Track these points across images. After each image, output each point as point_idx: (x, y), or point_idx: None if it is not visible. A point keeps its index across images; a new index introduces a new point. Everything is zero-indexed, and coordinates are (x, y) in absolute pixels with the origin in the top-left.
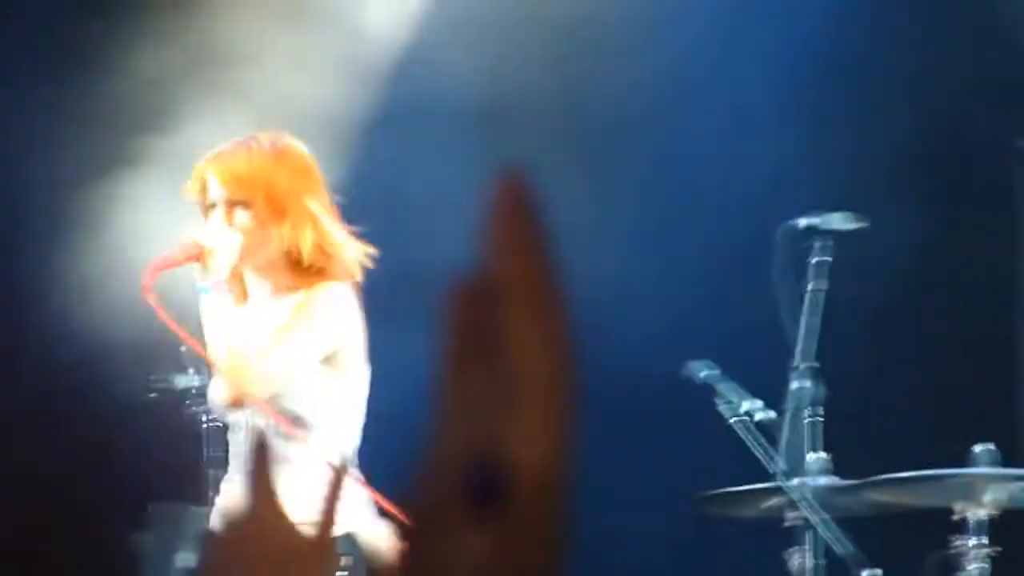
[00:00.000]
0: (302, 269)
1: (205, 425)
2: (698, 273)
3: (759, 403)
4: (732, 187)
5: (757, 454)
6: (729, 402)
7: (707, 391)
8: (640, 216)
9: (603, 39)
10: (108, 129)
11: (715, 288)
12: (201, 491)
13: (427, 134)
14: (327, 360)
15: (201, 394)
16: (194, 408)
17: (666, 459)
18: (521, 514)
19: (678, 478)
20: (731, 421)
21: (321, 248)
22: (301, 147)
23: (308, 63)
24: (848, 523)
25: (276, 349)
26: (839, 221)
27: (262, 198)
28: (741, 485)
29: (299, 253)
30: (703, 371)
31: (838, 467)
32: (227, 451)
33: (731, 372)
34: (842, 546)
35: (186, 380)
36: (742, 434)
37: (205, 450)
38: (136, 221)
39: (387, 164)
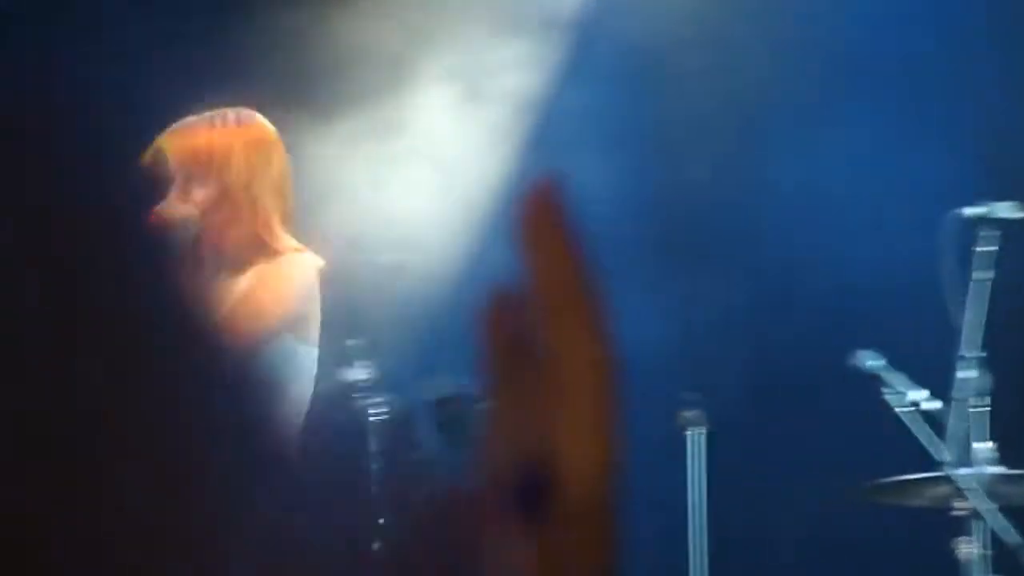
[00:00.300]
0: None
1: (371, 419)
2: (864, 260)
3: (924, 393)
4: (899, 173)
5: (924, 443)
6: (896, 391)
7: (874, 380)
8: (812, 201)
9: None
10: (315, 90)
11: (884, 276)
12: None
13: (605, 94)
14: (292, 327)
15: (368, 388)
16: (361, 402)
17: (834, 447)
18: (567, 516)
19: (846, 466)
20: (898, 410)
21: (264, 239)
22: (267, 126)
23: (501, 26)
24: (1014, 513)
25: (240, 318)
26: (1006, 210)
27: (217, 176)
28: (909, 474)
29: (250, 237)
30: (870, 360)
31: (1004, 456)
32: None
33: (899, 361)
34: (1010, 536)
35: (353, 374)
36: (909, 423)
37: (371, 442)
38: (327, 182)
39: (575, 120)
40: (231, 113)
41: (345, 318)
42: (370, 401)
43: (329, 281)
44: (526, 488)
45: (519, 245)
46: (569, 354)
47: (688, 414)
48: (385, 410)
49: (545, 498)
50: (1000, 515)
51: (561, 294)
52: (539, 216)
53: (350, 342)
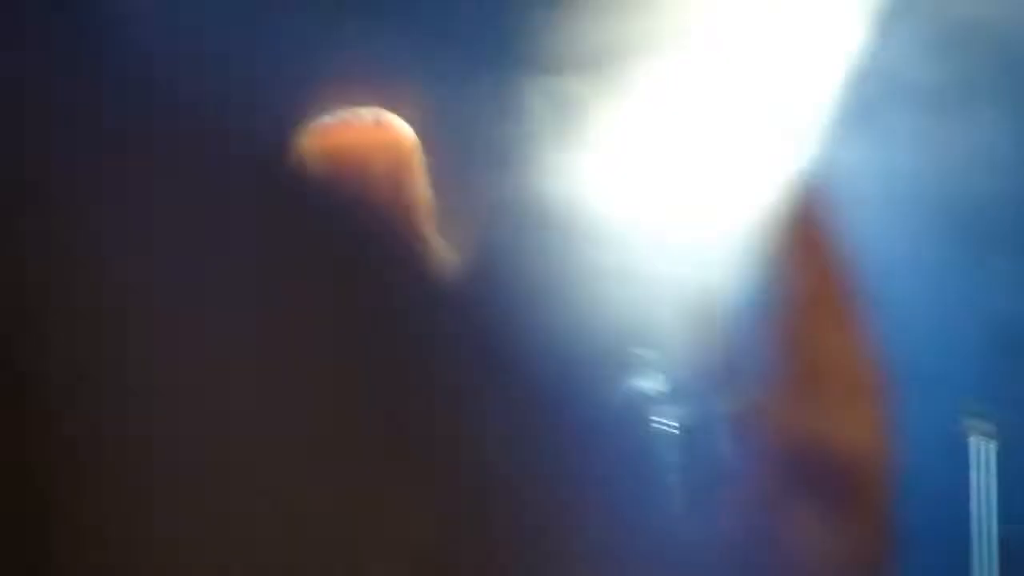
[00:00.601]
0: None
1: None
2: None
3: None
4: None
5: None
6: None
7: None
8: None
9: None
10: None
11: None
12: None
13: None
14: None
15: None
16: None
17: None
18: (846, 507)
19: None
20: None
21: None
22: (405, 127)
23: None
24: None
25: None
26: None
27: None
28: None
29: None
30: None
31: None
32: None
33: None
34: None
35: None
36: None
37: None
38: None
39: None
40: (369, 115)
41: (633, 323)
42: (660, 413)
43: (611, 279)
44: (807, 479)
45: (781, 255)
46: (835, 365)
47: (975, 422)
48: (676, 423)
49: (823, 486)
50: None
51: (825, 307)
52: (804, 227)
53: (639, 351)
